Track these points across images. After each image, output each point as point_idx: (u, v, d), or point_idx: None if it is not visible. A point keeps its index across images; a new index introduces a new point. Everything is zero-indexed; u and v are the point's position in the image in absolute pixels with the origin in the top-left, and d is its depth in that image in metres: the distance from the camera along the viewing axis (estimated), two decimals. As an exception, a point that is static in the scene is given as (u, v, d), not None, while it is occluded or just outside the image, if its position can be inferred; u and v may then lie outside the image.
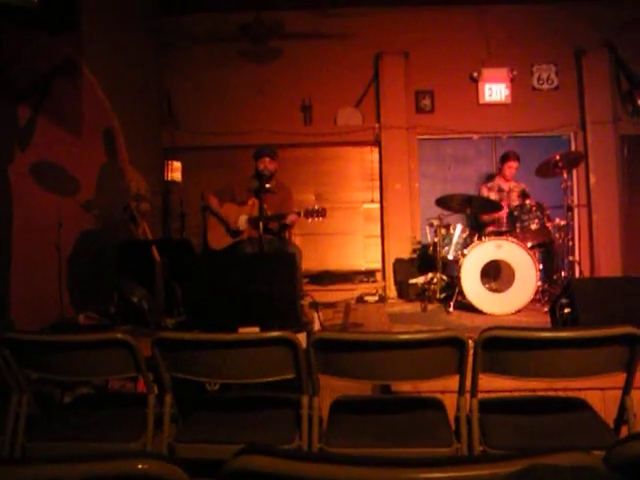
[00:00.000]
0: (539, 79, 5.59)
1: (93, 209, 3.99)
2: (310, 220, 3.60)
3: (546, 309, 3.63)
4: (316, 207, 3.59)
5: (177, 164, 5.38)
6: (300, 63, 5.72)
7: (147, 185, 5.00)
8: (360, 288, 5.23)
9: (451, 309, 3.99)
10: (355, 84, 5.69)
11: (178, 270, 3.39)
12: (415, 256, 5.36)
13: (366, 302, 4.93)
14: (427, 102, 5.63)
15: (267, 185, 3.78)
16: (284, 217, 3.71)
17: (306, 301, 3.46)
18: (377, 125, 5.60)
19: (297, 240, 5.41)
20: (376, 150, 5.68)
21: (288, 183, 4.36)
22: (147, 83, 5.34)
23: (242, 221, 3.88)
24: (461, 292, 3.97)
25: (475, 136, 5.65)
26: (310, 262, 5.39)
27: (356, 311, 4.41)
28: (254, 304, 2.78)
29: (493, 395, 1.95)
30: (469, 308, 3.95)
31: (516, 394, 2.06)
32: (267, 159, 3.86)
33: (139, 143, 4.96)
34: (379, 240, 5.66)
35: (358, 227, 5.73)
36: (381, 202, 5.64)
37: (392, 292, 5.34)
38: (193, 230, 5.56)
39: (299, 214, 3.65)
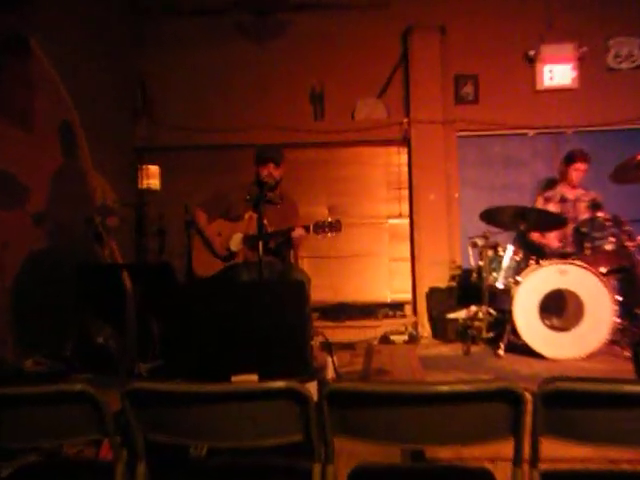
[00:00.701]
0: (617, 56, 5.51)
1: (46, 223, 4.01)
2: (322, 236, 3.59)
3: (627, 353, 3.59)
4: (329, 219, 3.60)
5: (154, 168, 5.42)
6: (309, 41, 5.78)
7: (116, 194, 5.04)
8: (385, 325, 5.23)
9: (501, 352, 3.97)
10: (378, 68, 5.73)
11: (155, 302, 3.39)
12: (454, 284, 5.34)
13: (393, 343, 4.94)
14: (469, 90, 5.65)
15: (269, 194, 3.79)
16: (288, 233, 3.72)
17: (317, 341, 3.51)
18: (406, 120, 5.62)
19: (305, 264, 5.40)
20: (405, 151, 5.69)
21: (294, 193, 4.37)
22: (116, 66, 5.40)
23: (236, 241, 3.89)
24: (514, 330, 3.96)
25: (531, 132, 5.64)
26: (322, 292, 5.35)
27: (380, 354, 4.41)
28: (251, 346, 2.78)
29: (560, 467, 1.91)
30: (525, 351, 3.93)
31: (591, 466, 2.03)
32: (272, 165, 3.86)
33: (106, 141, 5.01)
34: (408, 264, 5.65)
35: (382, 248, 5.73)
36: (411, 216, 5.64)
37: (425, 330, 5.33)
38: (174, 251, 5.56)
39: (307, 229, 3.65)
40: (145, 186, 5.41)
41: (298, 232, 3.68)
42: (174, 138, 5.70)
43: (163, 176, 5.56)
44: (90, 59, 4.76)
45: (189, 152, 5.81)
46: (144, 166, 5.43)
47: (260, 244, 3.46)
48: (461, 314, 4.88)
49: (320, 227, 3.59)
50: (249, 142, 5.55)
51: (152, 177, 5.41)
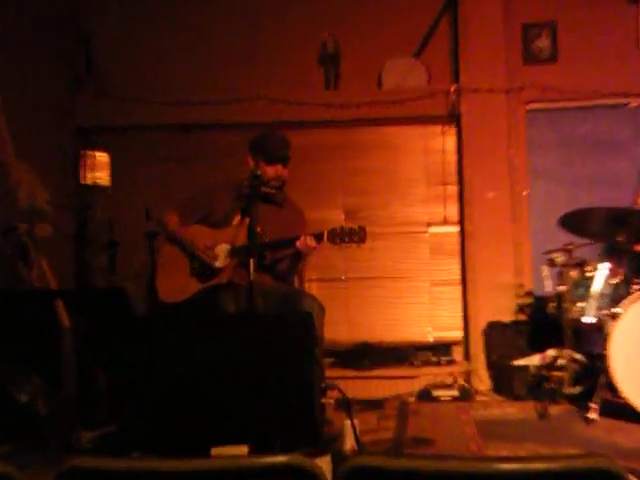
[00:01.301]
0: None
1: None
2: (340, 247, 3.64)
3: None
4: (350, 225, 3.62)
5: (102, 156, 5.45)
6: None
7: (49, 193, 5.03)
8: (425, 375, 5.22)
9: (593, 415, 3.94)
10: (414, 16, 5.73)
11: (103, 343, 3.37)
12: (523, 318, 5.33)
13: (437, 400, 4.90)
14: (544, 44, 5.62)
15: (266, 190, 3.84)
16: (292, 242, 3.73)
17: (330, 399, 3.45)
18: (454, 87, 5.62)
19: (314, 289, 5.37)
20: (452, 131, 5.71)
21: (297, 193, 4.38)
22: (52, 21, 5.39)
23: (221, 253, 3.91)
24: (611, 384, 3.92)
25: (634, 102, 5.63)
26: (338, 328, 5.35)
27: (419, 416, 4.40)
28: (239, 405, 2.77)
29: None
30: (626, 413, 3.90)
31: None
32: (280, 166, 4.00)
33: (36, 119, 5.01)
34: (458, 290, 5.65)
35: (421, 267, 5.72)
36: (461, 223, 5.64)
37: (483, 382, 5.30)
38: (131, 271, 5.55)
39: (319, 237, 3.67)
40: (90, 181, 5.43)
41: (306, 241, 3.69)
42: (130, 114, 5.72)
43: (115, 167, 5.56)
44: (15, 10, 4.79)
45: (152, 134, 5.83)
46: (88, 153, 5.44)
47: (251, 261, 3.43)
48: (534, 360, 4.83)
49: (338, 235, 3.61)
50: (235, 121, 5.60)
51: (100, 168, 5.42)
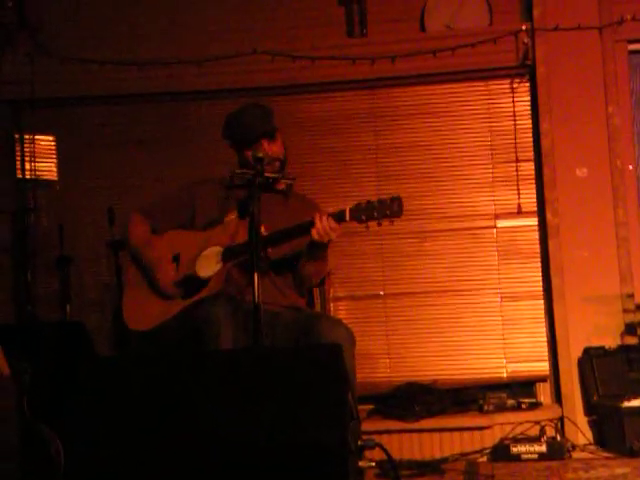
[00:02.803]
0: None
1: None
2: (368, 224, 3.64)
3: None
4: (379, 197, 3.63)
5: (46, 140, 5.43)
6: None
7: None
8: (500, 424, 5.17)
9: None
10: None
11: (57, 398, 3.34)
12: (634, 342, 5.29)
13: (517, 459, 4.84)
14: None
15: (270, 175, 3.88)
16: (305, 229, 3.75)
17: (370, 461, 3.38)
18: (526, 26, 5.58)
19: (342, 311, 5.34)
20: (525, 88, 5.72)
21: (314, 178, 4.35)
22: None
23: (210, 259, 3.92)
24: None
25: None
26: (376, 364, 5.38)
27: (494, 484, 4.35)
28: (244, 476, 2.76)
29: None
30: None
31: None
32: (265, 142, 4.02)
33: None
34: (541, 305, 5.63)
35: (487, 275, 5.72)
36: (542, 214, 5.63)
37: (581, 432, 5.25)
38: (90, 295, 5.55)
39: (340, 216, 3.68)
40: (30, 175, 5.41)
41: (322, 222, 3.69)
42: (80, 81, 5.74)
43: (63, 155, 5.55)
44: None
45: (111, 107, 5.85)
46: (26, 136, 5.43)
47: (256, 277, 3.39)
48: (652, 400, 4.80)
49: (364, 211, 3.62)
50: (225, 85, 5.60)
51: (43, 157, 5.41)
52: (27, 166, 5.45)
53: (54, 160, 5.49)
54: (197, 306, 3.83)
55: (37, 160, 5.46)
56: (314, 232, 3.69)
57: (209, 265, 3.89)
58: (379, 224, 3.58)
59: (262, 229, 3.68)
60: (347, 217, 3.64)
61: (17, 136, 5.50)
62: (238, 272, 3.84)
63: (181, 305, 3.89)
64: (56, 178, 5.49)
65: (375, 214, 3.57)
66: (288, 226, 3.83)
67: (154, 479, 2.87)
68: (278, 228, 3.85)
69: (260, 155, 3.81)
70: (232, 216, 3.96)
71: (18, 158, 5.50)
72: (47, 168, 5.46)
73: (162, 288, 3.93)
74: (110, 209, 4.87)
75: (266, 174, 3.87)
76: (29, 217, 5.65)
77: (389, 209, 3.56)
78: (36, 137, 5.45)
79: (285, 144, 4.12)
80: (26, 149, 5.46)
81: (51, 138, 5.50)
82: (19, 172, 5.48)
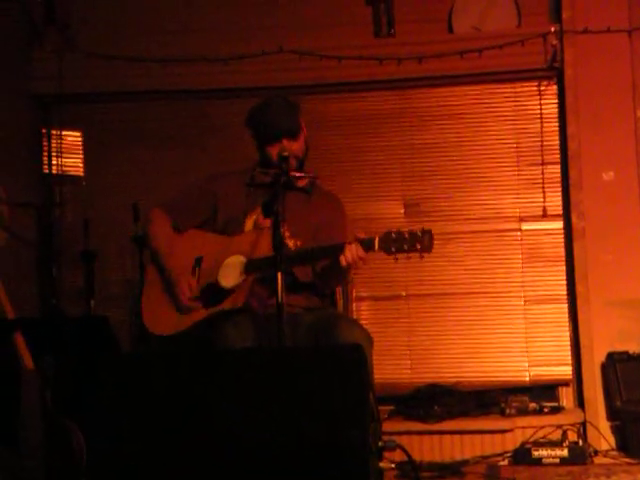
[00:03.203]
0: None
1: None
2: (396, 258, 3.56)
3: None
4: (410, 230, 3.53)
5: (73, 136, 5.45)
6: None
7: (1, 187, 5.07)
8: (521, 427, 5.16)
9: None
10: None
11: (80, 392, 3.34)
12: None
13: (539, 463, 4.82)
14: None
15: (295, 175, 3.86)
16: (333, 251, 3.69)
17: (390, 462, 3.40)
18: (555, 28, 5.56)
19: (364, 312, 5.33)
20: (552, 90, 5.69)
21: (338, 180, 4.35)
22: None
23: (232, 269, 3.88)
24: None
25: None
26: (397, 365, 5.39)
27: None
28: (265, 477, 2.78)
29: None
30: None
31: None
32: (286, 141, 3.96)
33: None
34: (564, 309, 5.61)
35: (511, 278, 5.71)
36: (567, 217, 5.60)
37: (604, 437, 5.23)
38: (113, 291, 5.57)
39: (369, 245, 3.59)
40: (57, 170, 5.43)
41: (352, 252, 3.62)
42: (109, 78, 5.75)
43: (89, 151, 5.58)
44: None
45: (138, 104, 5.87)
46: (53, 132, 5.45)
47: (279, 276, 3.41)
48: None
49: (393, 242, 3.54)
50: (250, 84, 5.57)
51: (69, 153, 5.43)
52: (54, 161, 5.47)
53: (80, 155, 5.51)
54: (220, 324, 3.79)
55: (64, 155, 5.48)
56: (342, 259, 3.62)
57: (232, 275, 3.85)
58: (408, 257, 3.53)
59: (290, 244, 3.72)
60: (376, 247, 3.56)
61: (44, 131, 5.53)
62: (260, 286, 3.82)
63: (202, 314, 3.89)
64: (82, 173, 5.51)
65: (405, 247, 3.50)
66: (319, 247, 3.79)
67: (173, 475, 2.87)
68: (305, 247, 3.84)
69: (286, 154, 3.80)
70: (255, 215, 3.95)
71: (45, 153, 5.53)
72: (73, 163, 5.48)
73: (180, 302, 3.91)
74: (135, 205, 4.87)
75: (295, 173, 3.89)
76: (55, 212, 5.68)
77: (420, 243, 3.48)
78: (63, 132, 5.47)
79: (307, 142, 4.08)
80: (53, 144, 5.48)
81: (78, 133, 5.52)
82: (46, 167, 5.50)
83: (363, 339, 3.63)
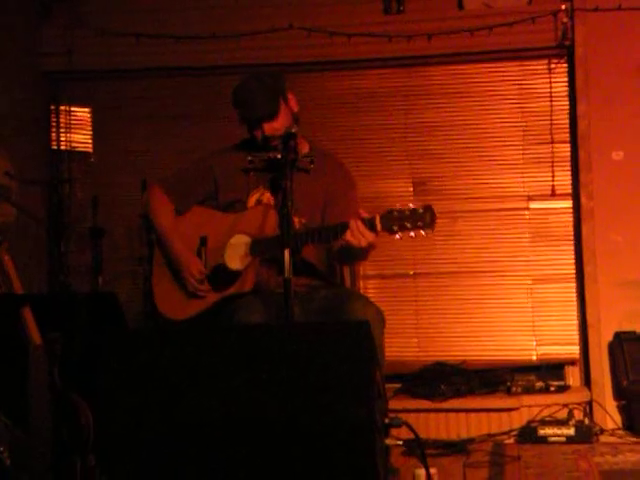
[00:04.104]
0: None
1: None
2: (400, 237, 3.55)
3: None
4: (411, 206, 3.52)
5: (82, 112, 5.47)
6: None
7: (9, 163, 5.08)
8: (528, 406, 5.18)
9: None
10: None
11: (88, 368, 3.36)
12: None
13: (545, 441, 4.85)
14: None
15: (300, 156, 3.82)
16: (339, 231, 3.67)
17: (396, 440, 3.40)
18: (565, 6, 5.52)
19: (371, 290, 5.34)
20: (562, 69, 5.68)
21: (346, 157, 4.35)
22: None
23: (238, 250, 3.90)
24: None
25: None
26: (405, 343, 5.44)
27: (520, 464, 4.35)
28: (273, 452, 2.79)
29: None
30: None
31: None
32: (265, 125, 3.96)
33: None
34: (572, 288, 5.63)
35: (518, 257, 5.72)
36: (576, 196, 5.60)
37: (610, 416, 5.25)
38: (122, 269, 5.59)
39: (371, 224, 3.56)
40: (65, 147, 5.44)
41: (357, 233, 3.60)
42: (118, 54, 5.76)
43: (98, 127, 5.59)
44: None
45: (148, 80, 5.90)
46: (62, 108, 5.46)
47: (287, 254, 3.41)
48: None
49: (395, 220, 3.52)
50: (260, 60, 5.56)
51: (78, 129, 5.44)
52: (62, 137, 5.48)
53: (89, 132, 5.51)
54: (228, 305, 3.84)
55: (72, 132, 5.49)
56: (349, 234, 3.59)
57: (238, 256, 3.88)
58: (411, 236, 3.51)
59: (295, 221, 3.71)
60: (378, 227, 3.53)
61: (53, 107, 5.53)
62: (267, 270, 3.84)
63: (213, 297, 3.92)
64: (91, 150, 5.52)
65: (408, 224, 3.48)
66: (317, 227, 3.79)
67: (181, 452, 2.87)
68: (308, 228, 3.83)
69: (293, 130, 3.77)
70: (257, 194, 3.97)
71: (54, 129, 5.54)
72: (82, 140, 5.49)
73: (190, 287, 3.94)
74: (144, 182, 4.86)
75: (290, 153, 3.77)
76: (63, 188, 5.68)
77: (421, 220, 3.47)
78: (72, 109, 5.47)
79: (293, 112, 4.04)
80: (62, 120, 5.49)
81: (87, 110, 5.52)
82: (54, 144, 5.51)
83: (375, 317, 3.65)
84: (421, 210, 3.47)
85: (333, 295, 3.91)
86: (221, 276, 3.91)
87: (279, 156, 3.69)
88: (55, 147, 5.55)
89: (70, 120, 5.53)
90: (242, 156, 4.03)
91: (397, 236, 3.52)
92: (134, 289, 5.55)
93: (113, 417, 3.04)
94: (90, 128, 5.59)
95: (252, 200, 3.99)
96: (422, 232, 3.48)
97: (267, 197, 3.93)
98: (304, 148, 4.06)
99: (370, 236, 3.57)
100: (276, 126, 3.93)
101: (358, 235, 3.57)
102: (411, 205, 3.51)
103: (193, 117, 5.82)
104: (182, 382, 2.97)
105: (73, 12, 5.81)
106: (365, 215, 3.57)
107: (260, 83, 4.04)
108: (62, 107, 5.56)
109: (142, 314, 5.16)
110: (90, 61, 5.76)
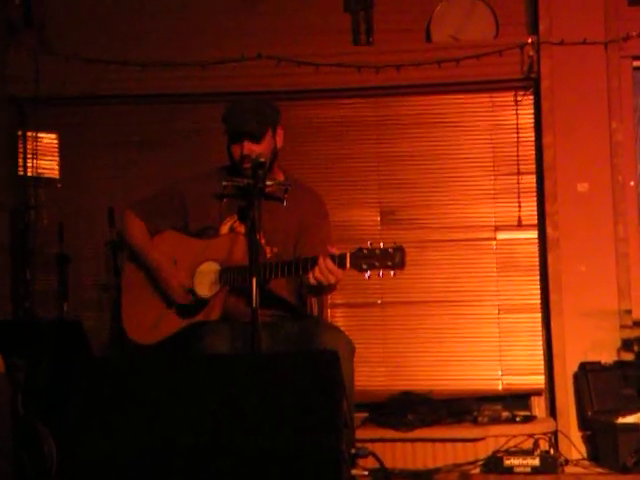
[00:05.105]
0: None
1: None
2: (369, 276, 3.53)
3: None
4: (381, 246, 3.51)
5: (49, 138, 5.43)
6: None
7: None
8: (493, 436, 5.17)
9: None
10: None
11: (52, 398, 3.32)
12: (630, 358, 5.29)
13: (510, 472, 4.83)
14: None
15: (268, 183, 3.81)
16: (311, 265, 3.65)
17: (363, 470, 3.40)
18: (532, 39, 5.57)
19: (339, 318, 5.33)
20: (529, 101, 5.70)
21: (316, 185, 4.35)
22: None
23: (207, 277, 3.89)
24: None
25: None
26: (372, 372, 5.39)
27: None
28: None
29: None
30: None
31: None
32: (246, 143, 3.94)
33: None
34: (538, 318, 5.64)
35: (485, 287, 5.72)
36: (542, 227, 5.62)
37: (575, 447, 5.25)
38: (87, 297, 5.54)
39: (341, 262, 3.56)
40: (32, 172, 5.40)
41: (325, 271, 3.59)
42: (84, 80, 5.73)
43: (65, 153, 5.55)
44: None
45: (114, 107, 5.85)
46: (29, 134, 5.43)
47: (254, 281, 3.38)
48: (648, 417, 4.66)
49: (365, 259, 3.51)
50: (227, 89, 5.55)
51: (45, 155, 5.40)
52: (29, 163, 5.44)
53: (56, 158, 5.48)
54: (195, 332, 3.80)
55: (39, 158, 5.45)
56: (317, 272, 3.58)
57: (207, 283, 3.87)
58: (380, 275, 3.48)
59: (267, 250, 3.73)
60: (347, 264, 3.53)
61: (20, 133, 5.50)
62: (236, 299, 3.83)
63: (180, 323, 3.90)
64: (58, 176, 5.49)
65: (376, 264, 3.46)
66: (287, 261, 3.76)
67: (149, 478, 2.86)
68: (277, 260, 3.81)
69: (262, 160, 3.79)
70: (230, 222, 3.95)
71: (20, 155, 5.50)
72: (49, 166, 5.46)
73: (171, 289, 3.93)
74: (110, 209, 4.85)
75: (269, 183, 3.87)
76: (29, 214, 5.62)
77: (391, 260, 3.45)
78: (39, 135, 5.44)
79: (276, 146, 4.05)
80: (28, 146, 5.44)
81: (54, 136, 5.49)
82: (21, 169, 5.47)
83: (345, 347, 3.65)
84: (391, 250, 3.46)
85: (304, 325, 3.89)
86: (189, 303, 3.90)
87: (268, 182, 3.76)
88: (22, 173, 5.51)
89: (37, 146, 5.49)
90: (215, 183, 4.02)
91: (366, 275, 3.49)
92: (100, 316, 5.49)
93: (76, 446, 3.03)
94: (57, 154, 5.56)
95: (225, 228, 3.97)
96: (391, 272, 3.46)
97: (240, 226, 3.89)
98: (279, 178, 4.06)
99: (338, 273, 3.58)
100: (256, 149, 3.91)
101: (326, 273, 3.57)
102: (382, 244, 3.50)
103: (160, 144, 5.79)
104: (150, 410, 2.95)
105: (40, 38, 5.80)
106: (335, 252, 3.57)
107: (256, 106, 4.07)
108: (29, 133, 5.51)
109: (107, 341, 5.13)
110: (57, 87, 5.71)
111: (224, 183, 3.95)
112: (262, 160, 3.75)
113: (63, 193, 5.67)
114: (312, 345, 3.68)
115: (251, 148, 3.92)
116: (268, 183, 3.89)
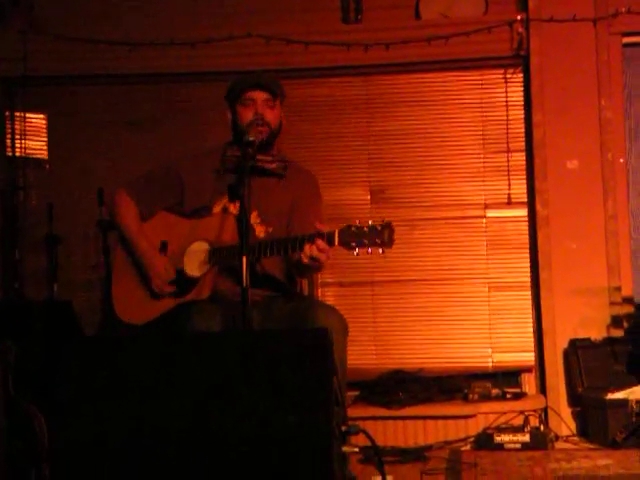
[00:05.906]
0: None
1: None
2: (357, 253, 3.51)
3: None
4: (370, 223, 3.49)
5: (37, 118, 5.41)
6: None
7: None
8: (484, 413, 5.19)
9: None
10: None
11: (42, 378, 3.32)
12: (620, 334, 5.31)
13: (500, 448, 4.85)
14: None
15: (261, 158, 3.80)
16: (301, 244, 3.63)
17: (354, 447, 3.37)
18: (521, 16, 5.56)
19: (330, 297, 5.33)
20: (518, 78, 5.71)
21: (305, 164, 4.34)
22: None
23: (197, 256, 3.88)
24: None
25: None
26: (363, 351, 5.40)
27: (477, 470, 4.35)
28: (230, 460, 2.76)
29: None
30: None
31: None
32: (259, 94, 3.91)
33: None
34: (528, 296, 5.66)
35: (475, 265, 5.73)
36: (532, 204, 5.64)
37: (565, 423, 5.30)
38: (77, 278, 5.53)
39: (330, 239, 3.53)
40: (20, 153, 5.38)
41: (317, 247, 3.56)
42: (73, 60, 5.70)
43: (54, 133, 5.53)
44: None
45: (104, 87, 5.83)
46: (17, 114, 5.42)
47: (244, 260, 3.37)
48: (636, 393, 4.83)
49: (353, 236, 3.48)
50: (218, 68, 5.54)
51: (34, 135, 5.38)
52: (17, 144, 5.43)
53: (45, 138, 5.47)
54: (186, 311, 3.78)
55: (28, 138, 5.44)
56: (308, 251, 3.55)
57: (197, 263, 3.86)
58: (368, 252, 3.45)
59: (258, 230, 3.72)
60: (336, 242, 3.49)
61: (8, 113, 5.48)
62: (226, 278, 3.83)
63: (170, 302, 3.89)
64: (47, 157, 5.47)
65: (365, 241, 3.43)
66: (288, 236, 3.75)
67: (136, 460, 2.84)
68: (275, 230, 3.84)
69: (251, 139, 3.76)
70: (224, 201, 3.92)
71: (9, 136, 5.49)
72: (38, 146, 5.44)
73: (155, 286, 3.91)
74: (100, 190, 4.82)
75: (262, 159, 3.84)
76: (18, 195, 5.63)
77: (379, 238, 3.42)
78: (27, 115, 5.42)
79: (283, 122, 4.03)
80: (17, 127, 5.44)
81: (42, 116, 5.47)
82: (9, 150, 5.46)
83: (338, 325, 3.65)
84: (379, 227, 3.43)
85: (296, 304, 3.89)
86: (179, 282, 3.88)
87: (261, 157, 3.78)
88: (10, 154, 5.49)
89: (25, 126, 5.48)
90: (213, 160, 4.01)
91: (355, 252, 3.46)
92: (90, 296, 5.49)
93: (67, 426, 3.02)
94: (46, 135, 5.54)
95: (218, 207, 3.95)
96: (379, 250, 3.44)
97: (233, 205, 3.88)
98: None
99: (325, 249, 3.54)
100: (270, 115, 3.92)
101: (315, 251, 3.53)
102: (370, 222, 3.47)
103: (149, 124, 5.77)
104: (138, 391, 2.94)
105: (28, 17, 5.75)
106: (323, 230, 3.55)
107: (270, 76, 4.11)
108: (17, 113, 5.50)
109: (98, 321, 5.12)
110: (45, 67, 5.68)
111: (229, 154, 3.94)
112: (251, 139, 3.72)
113: (52, 173, 5.67)
114: (305, 324, 3.68)
115: (270, 109, 3.93)
116: (269, 159, 3.91)
